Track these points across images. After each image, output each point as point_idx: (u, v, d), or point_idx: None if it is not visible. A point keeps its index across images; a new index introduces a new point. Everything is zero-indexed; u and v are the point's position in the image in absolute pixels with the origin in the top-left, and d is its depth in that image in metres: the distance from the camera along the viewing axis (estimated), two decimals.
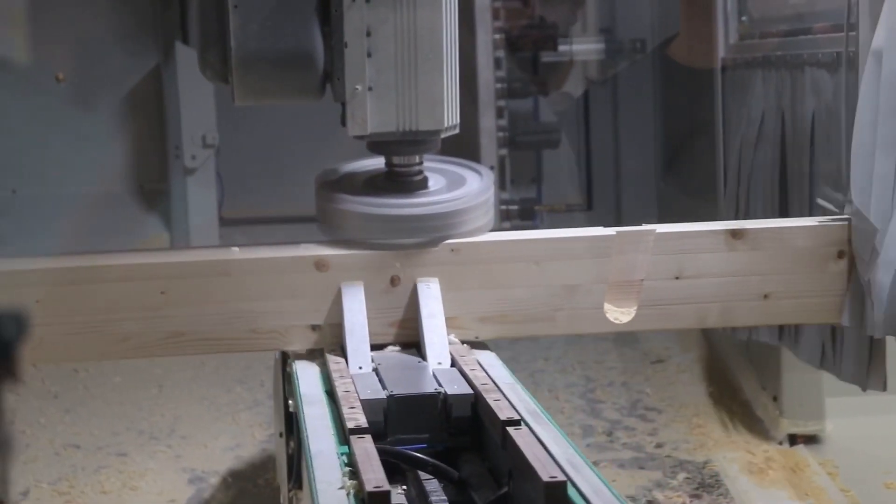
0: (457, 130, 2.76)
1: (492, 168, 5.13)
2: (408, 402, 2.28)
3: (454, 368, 2.49)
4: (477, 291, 2.72)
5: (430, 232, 2.72)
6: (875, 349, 2.99)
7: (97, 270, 2.64)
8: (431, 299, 2.67)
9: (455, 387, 2.33)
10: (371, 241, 2.72)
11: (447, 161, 2.94)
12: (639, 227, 2.77)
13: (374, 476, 1.84)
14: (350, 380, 2.40)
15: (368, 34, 2.62)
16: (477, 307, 2.73)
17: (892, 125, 2.78)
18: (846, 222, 2.82)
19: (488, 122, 5.32)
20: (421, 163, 2.81)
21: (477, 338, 2.73)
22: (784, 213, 3.66)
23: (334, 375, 2.44)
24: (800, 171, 3.55)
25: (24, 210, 4.97)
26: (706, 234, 2.77)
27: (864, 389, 3.07)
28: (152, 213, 5.27)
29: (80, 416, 4.61)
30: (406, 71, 2.64)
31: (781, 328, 3.61)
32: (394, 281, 2.69)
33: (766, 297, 2.77)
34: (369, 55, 2.63)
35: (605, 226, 2.87)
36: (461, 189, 2.80)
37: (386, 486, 1.80)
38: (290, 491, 2.65)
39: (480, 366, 2.52)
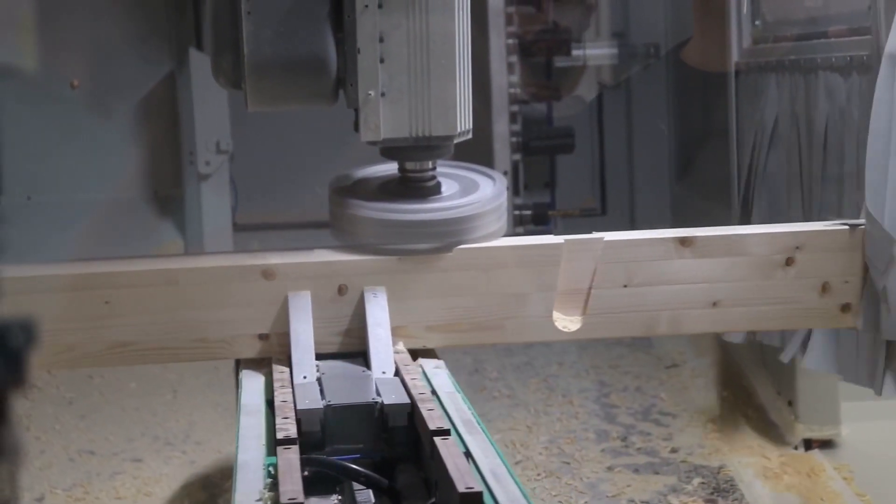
0: (470, 136, 2.76)
1: (505, 173, 5.13)
2: (345, 412, 2.27)
3: (397, 378, 2.47)
4: (425, 300, 2.70)
5: (443, 237, 2.72)
6: (890, 353, 2.98)
7: (40, 280, 2.61)
8: (378, 308, 2.65)
9: (393, 396, 2.31)
10: (384, 246, 2.72)
11: (460, 166, 2.94)
12: (587, 235, 2.76)
13: (292, 488, 1.84)
14: (290, 389, 2.38)
15: (381, 40, 2.62)
16: (425, 316, 2.71)
17: None
18: (796, 229, 2.80)
19: (501, 127, 5.32)
20: (434, 168, 2.81)
21: (425, 347, 2.72)
22: (798, 217, 3.65)
23: (276, 385, 2.43)
24: (813, 175, 3.54)
25: (39, 217, 4.98)
26: (655, 242, 2.75)
27: (878, 394, 3.06)
28: (166, 219, 5.27)
29: (95, 421, 4.62)
30: (419, 76, 2.64)
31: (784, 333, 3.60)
32: (341, 290, 2.67)
33: (714, 304, 2.76)
34: (382, 61, 2.63)
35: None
36: (474, 194, 2.80)
37: (300, 499, 1.79)
38: None
39: (425, 375, 2.52)
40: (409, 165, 2.79)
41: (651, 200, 6.11)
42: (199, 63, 5.00)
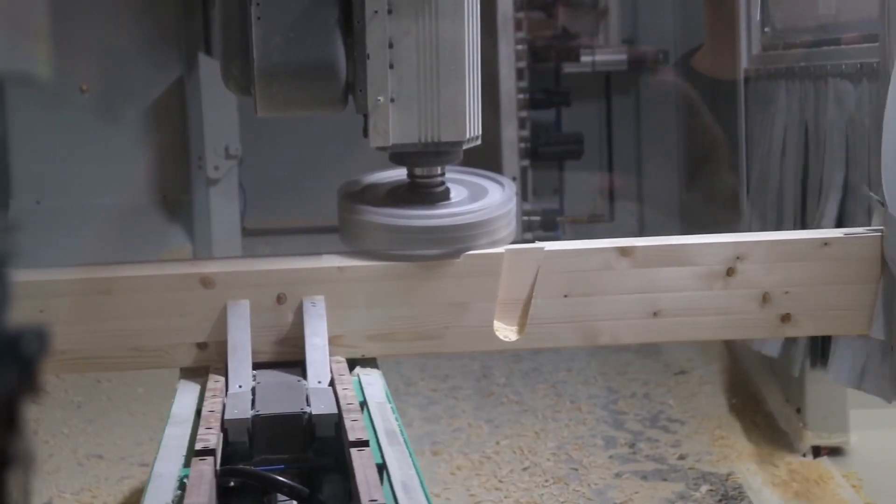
0: (479, 142, 2.76)
1: (514, 179, 5.13)
2: (272, 422, 2.27)
3: (331, 388, 2.47)
4: (364, 309, 2.69)
5: (452, 243, 2.72)
6: None
7: None
8: (316, 317, 2.64)
9: (322, 406, 2.31)
10: (393, 252, 2.72)
11: (469, 172, 2.94)
12: (528, 244, 2.75)
13: (197, 500, 1.84)
14: (221, 399, 2.38)
15: (391, 46, 2.62)
16: (364, 325, 2.70)
17: None
18: (737, 239, 2.80)
19: (510, 133, 5.33)
20: (443, 174, 2.81)
21: (364, 356, 2.71)
22: (807, 224, 3.65)
23: (207, 395, 2.42)
24: (822, 182, 3.54)
25: (48, 221, 4.98)
26: (595, 252, 2.74)
27: (889, 402, 3.05)
28: (175, 224, 5.28)
29: (103, 426, 4.63)
30: (428, 82, 2.64)
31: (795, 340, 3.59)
32: (280, 298, 2.66)
33: (655, 314, 2.75)
34: (391, 66, 2.63)
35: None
36: (483, 200, 2.80)
37: None
38: None
39: (360, 385, 2.51)
40: (418, 171, 2.79)
41: (660, 207, 6.11)
42: (209, 68, 5.01)
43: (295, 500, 2.07)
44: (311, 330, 2.62)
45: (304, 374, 2.55)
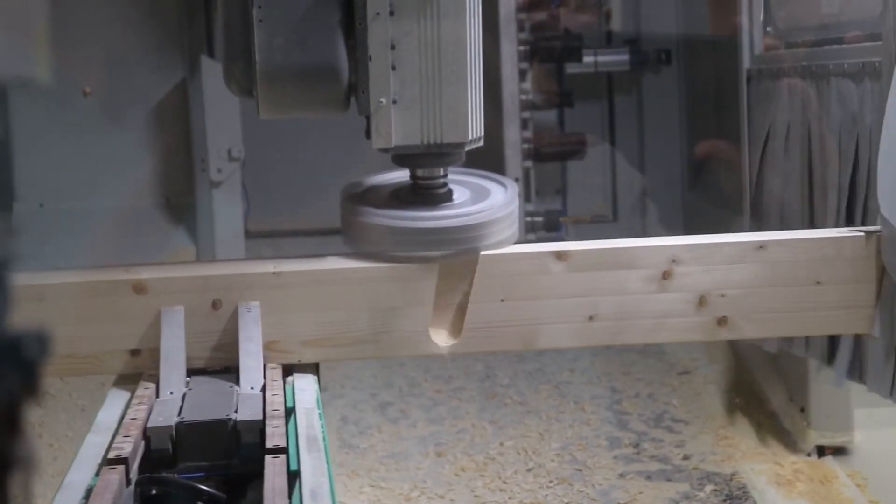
0: (481, 143, 2.76)
1: (516, 180, 5.13)
2: (197, 429, 2.25)
3: (261, 394, 2.46)
4: (300, 314, 2.68)
5: (455, 244, 2.72)
6: None
7: None
8: (251, 323, 2.63)
9: (248, 413, 2.30)
10: (396, 253, 2.72)
11: (472, 173, 2.94)
12: (464, 249, 2.74)
13: None
14: (147, 406, 2.37)
15: (393, 47, 2.62)
16: (300, 330, 2.69)
17: None
18: (673, 242, 2.79)
19: (513, 134, 5.33)
20: (445, 175, 2.81)
21: (300, 361, 2.70)
22: (810, 224, 3.64)
23: (134, 402, 2.41)
24: (825, 182, 3.54)
25: (52, 224, 4.99)
26: (532, 256, 2.74)
27: (893, 399, 3.05)
28: (178, 227, 5.28)
29: None
30: (430, 83, 2.64)
31: (808, 339, 3.59)
32: (215, 304, 2.65)
33: (591, 318, 2.75)
34: (394, 68, 2.63)
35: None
36: (486, 201, 2.80)
37: None
38: None
39: (293, 391, 2.51)
40: (421, 173, 2.79)
41: (663, 207, 6.11)
42: (211, 71, 5.01)
43: None
44: (246, 335, 2.61)
45: (238, 381, 2.54)
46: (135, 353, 2.64)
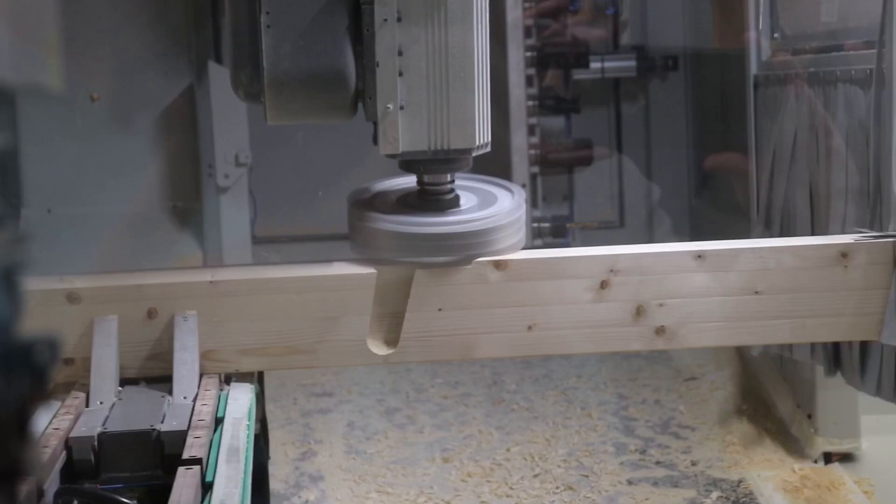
0: (488, 149, 2.76)
1: (523, 186, 5.13)
2: (119, 440, 2.24)
3: (193, 403, 2.45)
4: (238, 323, 2.67)
5: (462, 250, 2.72)
6: None
7: None
8: (186, 332, 2.62)
9: (174, 423, 2.29)
10: (402, 259, 2.73)
11: (479, 179, 2.94)
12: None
13: None
14: (73, 416, 2.35)
15: (400, 53, 2.63)
16: (237, 339, 2.68)
17: None
18: (610, 252, 2.78)
19: (520, 140, 5.33)
20: (452, 181, 2.82)
21: (238, 371, 2.69)
22: (816, 231, 3.64)
23: (60, 412, 2.39)
24: (832, 189, 3.54)
25: (59, 230, 5.00)
26: (469, 266, 2.73)
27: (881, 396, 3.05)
28: (185, 232, 5.28)
29: None
30: (438, 89, 2.64)
31: (814, 346, 3.59)
32: (151, 313, 2.64)
33: (530, 328, 2.74)
34: (401, 74, 2.63)
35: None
36: (492, 207, 2.80)
37: None
38: None
39: (226, 400, 2.50)
40: (428, 178, 2.79)
41: (670, 213, 6.10)
42: (219, 76, 5.02)
43: None
44: (181, 345, 2.60)
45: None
46: (68, 362, 2.62)
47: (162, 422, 2.31)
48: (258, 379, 2.80)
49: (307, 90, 2.65)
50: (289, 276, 2.71)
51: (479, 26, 2.65)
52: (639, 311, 2.75)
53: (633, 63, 5.90)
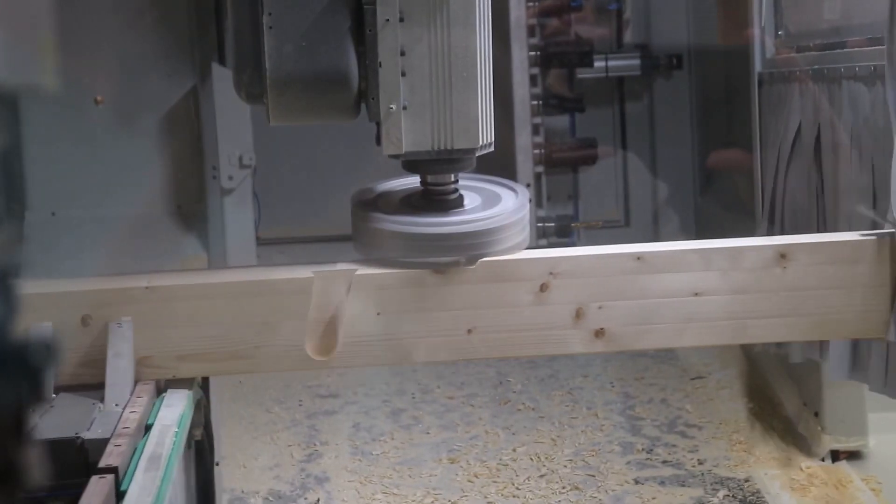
0: (492, 148, 2.76)
1: (528, 185, 5.12)
2: (43, 448, 2.23)
3: (120, 410, 2.43)
4: (174, 329, 2.66)
5: (466, 250, 2.71)
6: None
7: None
8: (121, 339, 2.60)
9: (99, 431, 2.27)
10: (406, 259, 2.72)
11: (483, 179, 2.93)
12: (340, 265, 2.71)
13: None
14: None
15: (403, 53, 2.62)
16: (174, 345, 2.66)
17: None
18: (551, 255, 2.76)
19: (524, 140, 5.32)
20: (456, 181, 2.81)
21: (175, 377, 2.67)
22: (822, 228, 3.63)
23: None
24: (837, 185, 3.53)
25: (63, 232, 5.00)
26: (407, 272, 2.71)
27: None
28: (189, 234, 5.28)
29: None
30: (441, 90, 2.64)
31: (822, 344, 3.58)
32: (85, 320, 2.62)
33: (469, 331, 2.72)
34: (404, 74, 2.63)
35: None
36: (496, 207, 2.79)
37: None
38: None
39: (159, 407, 2.48)
40: (431, 179, 2.79)
41: (675, 212, 6.10)
42: (222, 78, 5.01)
43: None
44: (115, 351, 2.58)
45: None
46: None
47: (89, 429, 2.29)
48: (203, 385, 2.78)
49: (310, 91, 2.64)
50: (226, 281, 2.70)
51: (482, 26, 2.65)
52: (578, 314, 2.73)
53: (637, 62, 5.89)
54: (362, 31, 2.64)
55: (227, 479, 4.24)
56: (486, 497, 4.03)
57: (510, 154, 5.28)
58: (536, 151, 5.39)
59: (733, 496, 3.91)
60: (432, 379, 5.23)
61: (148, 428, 2.36)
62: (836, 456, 4.10)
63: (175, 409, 2.48)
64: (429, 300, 2.71)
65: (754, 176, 4.32)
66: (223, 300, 2.68)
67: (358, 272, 2.70)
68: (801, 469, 4.06)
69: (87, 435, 2.25)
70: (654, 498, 3.93)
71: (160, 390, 2.63)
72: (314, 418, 4.86)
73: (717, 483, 4.02)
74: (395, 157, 2.70)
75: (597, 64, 5.72)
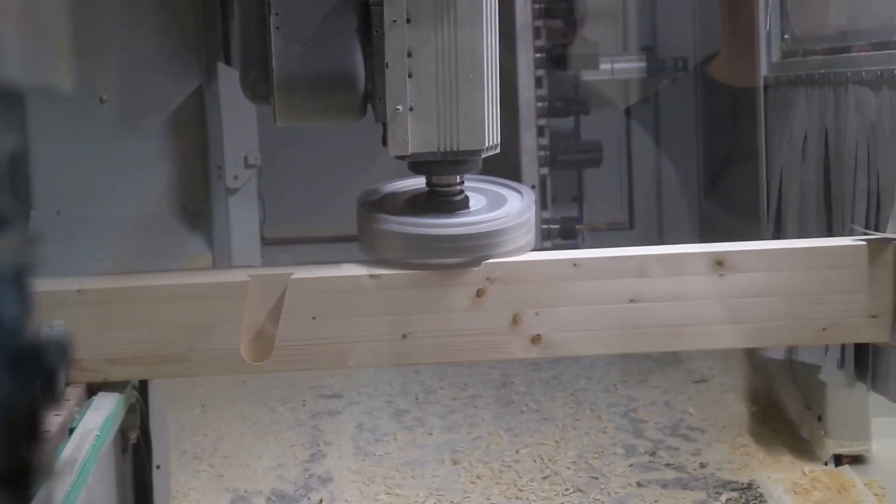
0: (498, 150, 2.76)
1: (533, 187, 5.13)
2: None
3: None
4: (106, 332, 2.64)
5: (471, 252, 2.71)
6: None
7: None
8: None
9: None
10: (411, 261, 2.72)
11: (488, 181, 2.93)
12: (275, 269, 2.70)
13: None
14: None
15: (409, 55, 2.62)
16: (105, 349, 2.64)
17: None
18: (488, 260, 2.73)
19: (529, 141, 5.33)
20: (462, 182, 2.81)
21: (106, 380, 2.65)
22: (827, 233, 3.63)
23: None
24: (843, 190, 3.53)
25: (69, 232, 5.00)
26: (342, 276, 2.70)
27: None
28: (195, 234, 5.29)
29: None
30: (447, 91, 2.64)
31: (828, 348, 3.58)
32: None
33: (405, 336, 2.71)
34: (410, 75, 2.63)
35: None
36: (502, 209, 2.80)
37: None
38: None
39: (86, 410, 2.46)
40: (437, 180, 2.79)
41: (679, 215, 6.10)
42: (228, 78, 5.02)
43: None
44: None
45: None
46: None
47: None
48: (141, 388, 2.77)
49: (316, 91, 2.64)
50: (159, 284, 2.68)
51: (489, 28, 2.65)
52: (515, 320, 2.71)
53: (643, 64, 5.89)
54: (369, 32, 2.65)
55: (229, 478, 4.24)
56: (488, 498, 4.03)
57: (516, 156, 5.28)
58: (541, 153, 5.39)
59: (736, 500, 3.91)
60: (435, 380, 5.23)
61: (71, 432, 2.34)
62: (839, 460, 4.10)
63: (100, 413, 2.46)
64: (364, 304, 2.70)
65: (759, 179, 4.32)
66: (156, 304, 2.66)
67: (294, 276, 2.68)
68: (804, 473, 4.06)
69: None
70: (656, 501, 3.93)
71: (91, 394, 2.60)
72: (318, 418, 4.86)
73: (719, 486, 4.02)
74: (401, 158, 2.70)
75: (603, 66, 5.72)
